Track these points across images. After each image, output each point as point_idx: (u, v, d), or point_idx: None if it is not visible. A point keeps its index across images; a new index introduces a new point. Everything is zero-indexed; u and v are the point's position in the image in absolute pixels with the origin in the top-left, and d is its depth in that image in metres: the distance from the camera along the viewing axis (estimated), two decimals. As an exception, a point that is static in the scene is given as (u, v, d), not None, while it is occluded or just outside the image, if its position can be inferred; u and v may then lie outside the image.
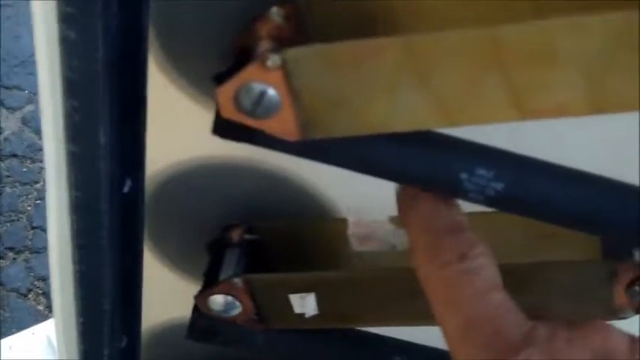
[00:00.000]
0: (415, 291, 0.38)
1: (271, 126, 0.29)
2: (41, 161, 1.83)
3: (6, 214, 1.74)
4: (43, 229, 1.73)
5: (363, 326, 0.41)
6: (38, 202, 1.77)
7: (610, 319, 0.36)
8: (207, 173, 0.39)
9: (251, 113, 0.28)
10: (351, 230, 0.39)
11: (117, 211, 0.31)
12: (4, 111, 1.88)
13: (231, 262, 0.39)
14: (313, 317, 0.39)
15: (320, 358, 0.42)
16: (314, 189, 0.39)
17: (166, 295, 0.44)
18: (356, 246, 0.40)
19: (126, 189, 0.31)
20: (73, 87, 0.27)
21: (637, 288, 0.37)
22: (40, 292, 1.59)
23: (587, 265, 0.37)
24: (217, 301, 0.39)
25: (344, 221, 0.40)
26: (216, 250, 0.41)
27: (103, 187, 0.29)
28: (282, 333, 0.41)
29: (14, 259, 1.68)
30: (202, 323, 0.40)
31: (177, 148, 0.38)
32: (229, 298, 0.39)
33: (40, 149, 1.86)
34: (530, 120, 0.28)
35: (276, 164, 0.38)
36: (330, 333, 0.41)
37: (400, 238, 0.39)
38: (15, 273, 1.66)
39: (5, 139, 1.85)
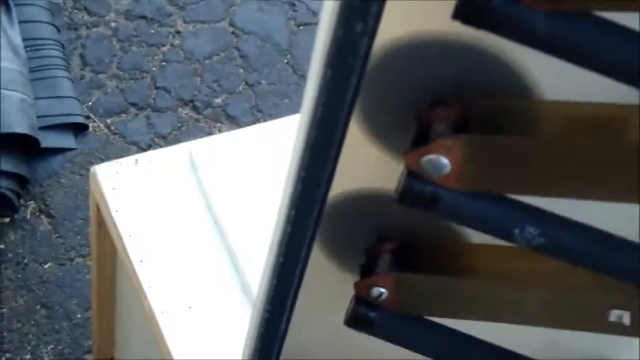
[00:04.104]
0: None
1: (446, 183, 0.41)
2: (170, 26, 1.82)
3: (131, 72, 1.74)
4: (167, 90, 1.72)
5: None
6: (164, 64, 1.76)
7: None
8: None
9: (429, 173, 0.41)
10: None
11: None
12: (134, -26, 1.87)
13: None
14: None
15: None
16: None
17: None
18: None
19: None
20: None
21: None
22: (160, 147, 1.58)
23: None
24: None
25: None
26: None
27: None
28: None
29: (136, 114, 1.68)
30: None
31: None
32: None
33: (170, 15, 1.85)
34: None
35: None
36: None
37: None
38: (136, 128, 1.66)
39: (135, 1, 1.84)
